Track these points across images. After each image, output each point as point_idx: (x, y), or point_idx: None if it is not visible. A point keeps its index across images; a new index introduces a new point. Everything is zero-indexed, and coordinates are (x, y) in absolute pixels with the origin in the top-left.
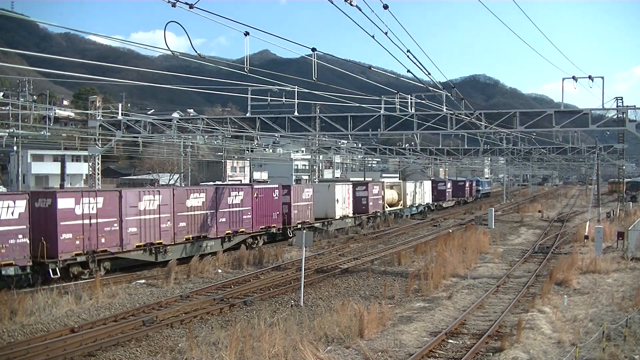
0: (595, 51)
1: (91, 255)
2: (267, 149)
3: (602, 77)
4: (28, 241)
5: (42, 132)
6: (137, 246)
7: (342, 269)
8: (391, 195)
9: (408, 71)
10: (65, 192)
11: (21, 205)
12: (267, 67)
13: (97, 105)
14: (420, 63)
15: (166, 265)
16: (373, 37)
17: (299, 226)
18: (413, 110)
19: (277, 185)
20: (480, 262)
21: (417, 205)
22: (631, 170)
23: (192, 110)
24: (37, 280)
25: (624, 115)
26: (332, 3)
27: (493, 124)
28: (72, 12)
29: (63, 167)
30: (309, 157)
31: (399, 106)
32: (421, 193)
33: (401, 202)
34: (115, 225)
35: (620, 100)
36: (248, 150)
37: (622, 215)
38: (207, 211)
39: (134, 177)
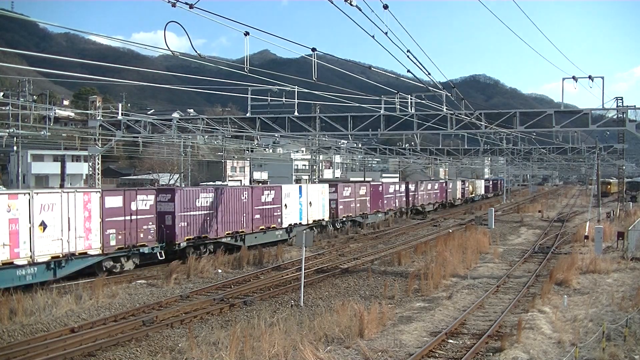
0: (595, 51)
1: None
2: (267, 149)
3: (602, 77)
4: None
5: (42, 132)
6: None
7: (342, 269)
8: (471, 188)
9: (408, 71)
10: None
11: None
12: (267, 67)
13: (97, 105)
14: (420, 63)
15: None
16: (373, 37)
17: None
18: (413, 110)
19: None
20: (481, 262)
21: (480, 194)
22: (631, 170)
23: (192, 110)
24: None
25: (624, 115)
26: (332, 3)
27: (493, 124)
28: (72, 12)
29: (63, 167)
30: (309, 157)
31: (399, 106)
32: (480, 187)
33: (474, 193)
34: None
35: (620, 100)
36: (248, 150)
37: (622, 215)
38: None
39: (134, 177)
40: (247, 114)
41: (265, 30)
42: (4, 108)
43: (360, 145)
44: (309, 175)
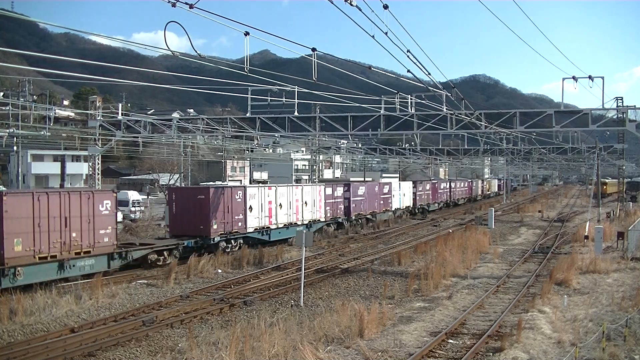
0: (595, 51)
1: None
2: (267, 149)
3: (602, 77)
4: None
5: (42, 132)
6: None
7: (342, 269)
8: (488, 186)
9: (408, 71)
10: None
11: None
12: (267, 67)
13: (97, 105)
14: (420, 63)
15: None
16: (373, 37)
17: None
18: (413, 110)
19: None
20: (480, 262)
21: (494, 191)
22: (631, 170)
23: (192, 110)
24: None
25: (624, 115)
26: (332, 3)
27: (493, 124)
28: (72, 12)
29: (63, 167)
30: (309, 157)
31: (399, 106)
32: (494, 185)
33: (490, 190)
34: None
35: (620, 100)
36: (248, 150)
37: (622, 215)
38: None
39: (134, 177)
40: (247, 114)
41: (265, 30)
42: (4, 108)
43: (360, 145)
44: (309, 175)
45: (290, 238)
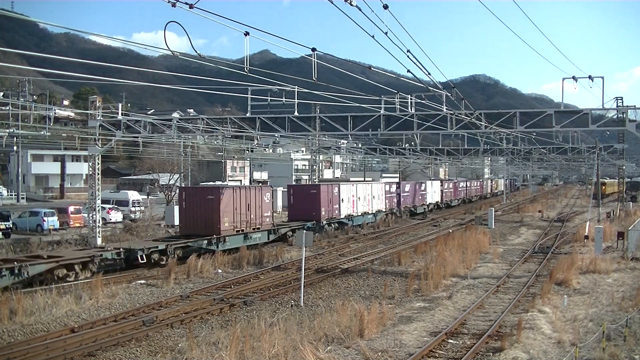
0: (595, 51)
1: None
2: (267, 149)
3: (602, 77)
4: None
5: (42, 132)
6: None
7: (342, 269)
8: (496, 185)
9: (408, 71)
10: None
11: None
12: (267, 67)
13: (97, 105)
14: (420, 63)
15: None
16: (373, 37)
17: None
18: (413, 110)
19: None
20: (480, 262)
21: (501, 190)
22: (631, 170)
23: (192, 110)
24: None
25: (624, 115)
26: (332, 3)
27: (493, 124)
28: (72, 12)
29: (63, 167)
30: (309, 157)
31: (399, 106)
32: (501, 184)
33: (497, 189)
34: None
35: (620, 100)
36: (248, 150)
37: (622, 215)
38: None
39: (134, 177)
40: (247, 114)
41: (265, 30)
42: (4, 108)
43: (360, 145)
44: (309, 175)
45: (364, 223)
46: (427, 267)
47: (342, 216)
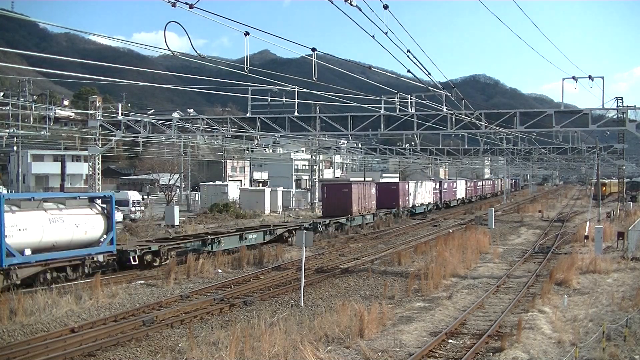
0: (595, 51)
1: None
2: (267, 149)
3: (602, 77)
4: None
5: (42, 132)
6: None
7: (342, 269)
8: (504, 184)
9: (408, 71)
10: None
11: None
12: (267, 67)
13: (97, 105)
14: (420, 63)
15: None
16: (373, 37)
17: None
18: (413, 110)
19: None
20: (480, 262)
21: (508, 188)
22: (631, 170)
23: (192, 110)
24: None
25: (624, 115)
26: (332, 3)
27: (493, 124)
28: (72, 12)
29: (63, 167)
30: (309, 157)
31: (399, 106)
32: (507, 183)
33: (505, 188)
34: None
35: (620, 100)
36: (248, 150)
37: (622, 215)
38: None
39: (134, 177)
40: (247, 114)
41: (265, 30)
42: (4, 108)
43: (360, 145)
44: (309, 175)
45: (423, 212)
46: (427, 267)
47: (409, 206)
